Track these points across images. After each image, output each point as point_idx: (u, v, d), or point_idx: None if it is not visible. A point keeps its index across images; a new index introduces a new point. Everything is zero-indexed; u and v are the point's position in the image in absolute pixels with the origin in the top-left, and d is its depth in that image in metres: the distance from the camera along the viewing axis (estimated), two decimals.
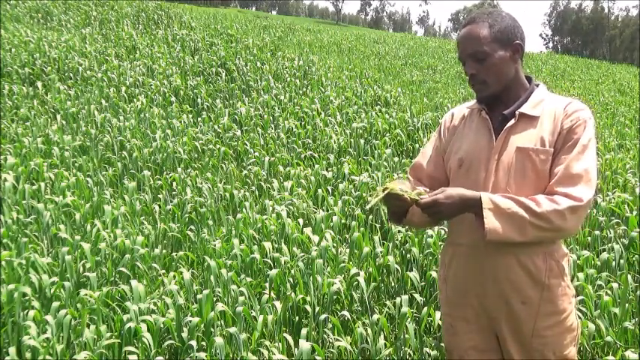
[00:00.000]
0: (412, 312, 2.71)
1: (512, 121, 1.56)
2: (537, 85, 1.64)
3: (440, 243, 3.19)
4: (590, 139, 1.50)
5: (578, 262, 3.10)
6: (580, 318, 2.63)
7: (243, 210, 3.90)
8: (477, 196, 1.47)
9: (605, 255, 3.19)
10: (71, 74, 7.24)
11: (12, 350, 2.26)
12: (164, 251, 3.39)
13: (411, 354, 2.50)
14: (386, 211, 1.55)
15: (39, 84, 6.57)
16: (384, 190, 1.51)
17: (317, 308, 2.72)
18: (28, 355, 2.26)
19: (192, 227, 3.73)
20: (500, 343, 1.61)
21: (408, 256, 3.24)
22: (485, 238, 1.44)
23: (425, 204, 1.48)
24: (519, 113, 1.56)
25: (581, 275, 2.89)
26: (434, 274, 2.92)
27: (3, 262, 2.73)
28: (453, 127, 1.73)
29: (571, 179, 1.46)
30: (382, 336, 2.56)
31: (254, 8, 64.36)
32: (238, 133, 5.83)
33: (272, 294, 2.82)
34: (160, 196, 4.28)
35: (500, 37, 1.54)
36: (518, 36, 1.58)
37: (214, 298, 2.74)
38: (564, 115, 1.53)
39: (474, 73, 1.56)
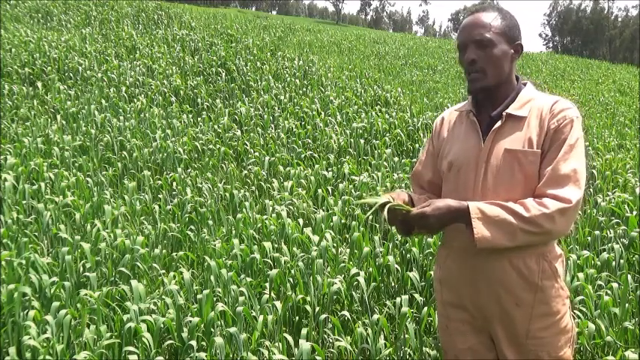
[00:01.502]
0: (412, 312, 2.71)
1: (499, 123, 1.55)
2: (525, 84, 1.62)
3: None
4: (578, 138, 1.49)
5: (578, 262, 3.10)
6: (580, 318, 2.63)
7: (243, 210, 3.90)
8: (465, 206, 1.45)
9: (605, 255, 3.19)
10: (71, 74, 7.24)
11: (12, 350, 2.26)
12: (164, 251, 3.39)
13: (411, 354, 2.49)
14: (387, 221, 1.54)
15: (39, 84, 6.57)
16: (380, 205, 1.51)
17: (317, 308, 2.72)
18: (28, 355, 2.26)
19: (192, 227, 3.73)
20: (495, 344, 1.61)
21: (408, 256, 3.24)
22: (476, 247, 1.44)
23: (413, 216, 1.47)
24: (506, 114, 1.55)
25: (581, 275, 2.89)
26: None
27: (3, 262, 2.73)
28: (444, 131, 1.73)
29: (559, 180, 1.45)
30: (382, 336, 2.56)
31: (254, 8, 64.30)
32: (238, 133, 5.84)
33: (272, 294, 2.82)
34: (160, 196, 4.28)
35: (507, 32, 1.55)
36: (519, 38, 1.59)
37: (214, 298, 2.73)
38: (550, 114, 1.51)
39: (474, 59, 1.53)
